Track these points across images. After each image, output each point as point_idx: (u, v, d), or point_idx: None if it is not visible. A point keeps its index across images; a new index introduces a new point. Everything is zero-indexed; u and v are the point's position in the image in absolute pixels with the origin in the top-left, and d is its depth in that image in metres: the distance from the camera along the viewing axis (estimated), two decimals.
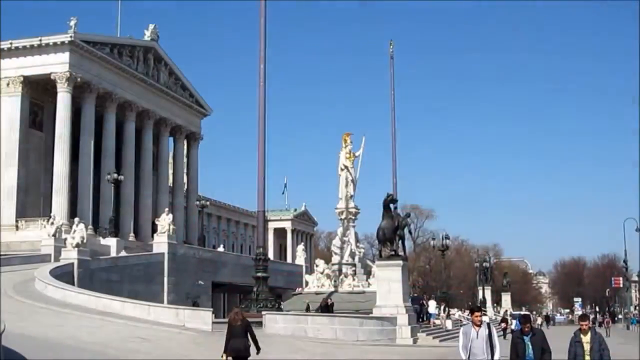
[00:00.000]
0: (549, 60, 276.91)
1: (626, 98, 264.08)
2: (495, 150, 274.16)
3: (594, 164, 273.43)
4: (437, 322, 51.86)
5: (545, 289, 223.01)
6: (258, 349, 17.84)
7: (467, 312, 56.91)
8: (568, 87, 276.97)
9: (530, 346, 14.07)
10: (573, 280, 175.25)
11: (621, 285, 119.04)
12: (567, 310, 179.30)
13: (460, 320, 58.90)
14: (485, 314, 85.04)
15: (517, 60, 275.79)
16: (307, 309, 44.34)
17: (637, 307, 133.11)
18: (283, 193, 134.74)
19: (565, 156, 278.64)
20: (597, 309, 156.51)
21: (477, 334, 13.98)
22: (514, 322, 50.91)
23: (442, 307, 58.41)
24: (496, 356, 13.91)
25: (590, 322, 15.10)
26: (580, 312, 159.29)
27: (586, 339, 14.56)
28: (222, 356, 17.62)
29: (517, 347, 14.24)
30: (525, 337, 14.24)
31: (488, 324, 14.45)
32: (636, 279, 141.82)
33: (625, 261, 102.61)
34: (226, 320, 38.58)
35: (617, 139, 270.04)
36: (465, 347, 14.02)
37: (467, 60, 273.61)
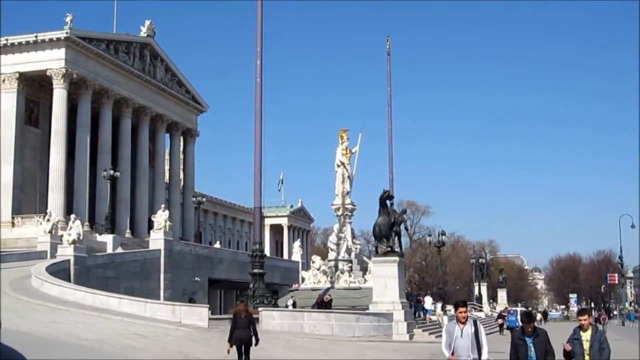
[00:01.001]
0: (545, 56, 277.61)
1: (624, 94, 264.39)
2: (492, 147, 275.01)
3: (590, 161, 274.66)
4: (433, 318, 51.89)
5: (540, 285, 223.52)
6: (257, 340, 19.22)
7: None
8: (565, 83, 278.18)
9: (532, 348, 12.20)
10: (568, 276, 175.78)
11: (616, 282, 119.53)
12: (563, 307, 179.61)
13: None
14: (481, 310, 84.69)
15: (514, 56, 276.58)
16: (294, 305, 44.37)
17: (633, 304, 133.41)
18: (279, 190, 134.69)
19: (562, 152, 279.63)
20: (593, 305, 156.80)
21: (462, 332, 12.26)
22: (510, 317, 50.41)
23: (437, 304, 58.32)
24: (484, 356, 12.16)
25: (592, 318, 13.43)
26: (575, 308, 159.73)
27: (586, 336, 12.75)
28: (227, 345, 19.18)
29: (518, 349, 12.37)
30: (527, 339, 12.33)
31: (475, 321, 12.66)
32: (631, 275, 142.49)
33: (620, 257, 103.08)
34: (222, 316, 39.26)
35: (613, 136, 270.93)
36: (449, 345, 12.34)
37: (464, 56, 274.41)
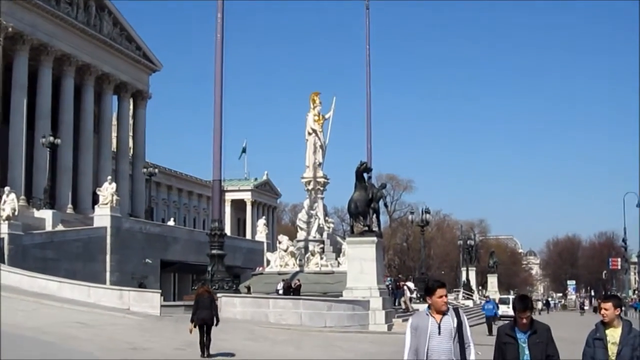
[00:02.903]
0: (540, 19, 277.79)
1: (626, 64, 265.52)
2: (482, 117, 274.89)
3: (592, 134, 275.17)
4: (415, 306, 52.17)
5: (536, 270, 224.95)
6: (217, 320, 22.32)
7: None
8: (563, 49, 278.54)
9: (526, 351, 9.34)
10: (566, 260, 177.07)
11: (619, 267, 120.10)
12: (560, 294, 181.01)
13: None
14: (470, 297, 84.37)
15: (507, 19, 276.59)
16: (249, 292, 44.51)
17: (637, 292, 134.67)
18: (240, 157, 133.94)
19: (560, 125, 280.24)
20: (593, 292, 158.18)
21: (440, 328, 9.22)
22: (487, 305, 49.15)
23: (403, 286, 58.10)
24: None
25: (619, 309, 10.00)
26: (573, 296, 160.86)
27: (613, 335, 9.75)
28: (190, 325, 21.86)
29: (505, 350, 9.49)
30: (520, 336, 9.44)
31: (456, 310, 9.61)
32: (636, 260, 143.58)
33: (624, 240, 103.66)
34: (176, 303, 40.17)
35: (616, 109, 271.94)
36: (419, 352, 9.25)
37: (452, 19, 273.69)
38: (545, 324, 9.71)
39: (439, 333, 9.16)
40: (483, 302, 59.11)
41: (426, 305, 9.37)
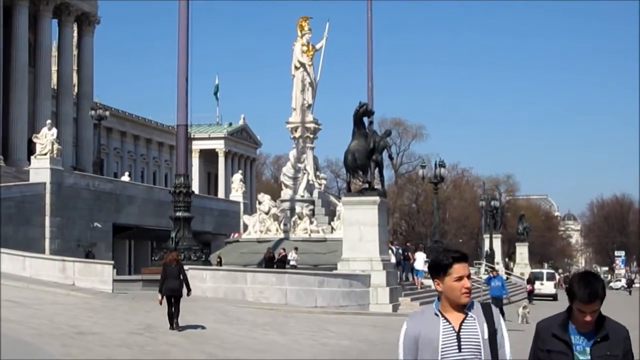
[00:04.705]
0: None
1: None
2: (509, 54, 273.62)
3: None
4: (425, 282, 52.26)
5: (576, 238, 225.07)
6: (189, 290, 24.98)
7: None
8: None
9: None
10: (614, 226, 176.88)
11: None
12: (605, 268, 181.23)
13: None
14: (495, 272, 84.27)
15: None
16: (220, 264, 44.60)
17: None
18: (216, 94, 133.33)
19: (603, 63, 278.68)
20: None
21: (459, 339, 6.21)
22: (495, 279, 47.83)
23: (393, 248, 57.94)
24: None
25: None
26: (622, 270, 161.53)
27: None
28: (159, 296, 24.13)
29: None
30: (577, 341, 6.53)
31: (487, 307, 6.43)
32: None
33: None
34: (132, 277, 40.98)
35: None
36: None
37: None
38: (622, 325, 6.75)
39: (459, 348, 6.22)
40: (486, 276, 57.67)
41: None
